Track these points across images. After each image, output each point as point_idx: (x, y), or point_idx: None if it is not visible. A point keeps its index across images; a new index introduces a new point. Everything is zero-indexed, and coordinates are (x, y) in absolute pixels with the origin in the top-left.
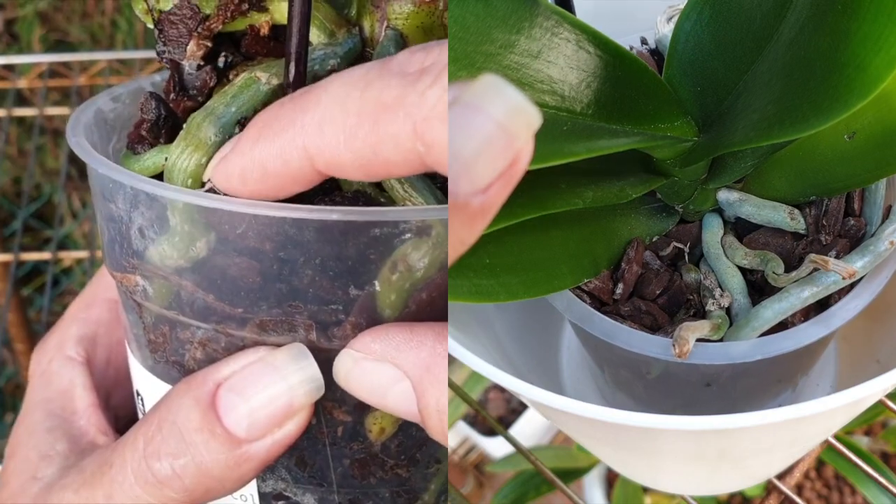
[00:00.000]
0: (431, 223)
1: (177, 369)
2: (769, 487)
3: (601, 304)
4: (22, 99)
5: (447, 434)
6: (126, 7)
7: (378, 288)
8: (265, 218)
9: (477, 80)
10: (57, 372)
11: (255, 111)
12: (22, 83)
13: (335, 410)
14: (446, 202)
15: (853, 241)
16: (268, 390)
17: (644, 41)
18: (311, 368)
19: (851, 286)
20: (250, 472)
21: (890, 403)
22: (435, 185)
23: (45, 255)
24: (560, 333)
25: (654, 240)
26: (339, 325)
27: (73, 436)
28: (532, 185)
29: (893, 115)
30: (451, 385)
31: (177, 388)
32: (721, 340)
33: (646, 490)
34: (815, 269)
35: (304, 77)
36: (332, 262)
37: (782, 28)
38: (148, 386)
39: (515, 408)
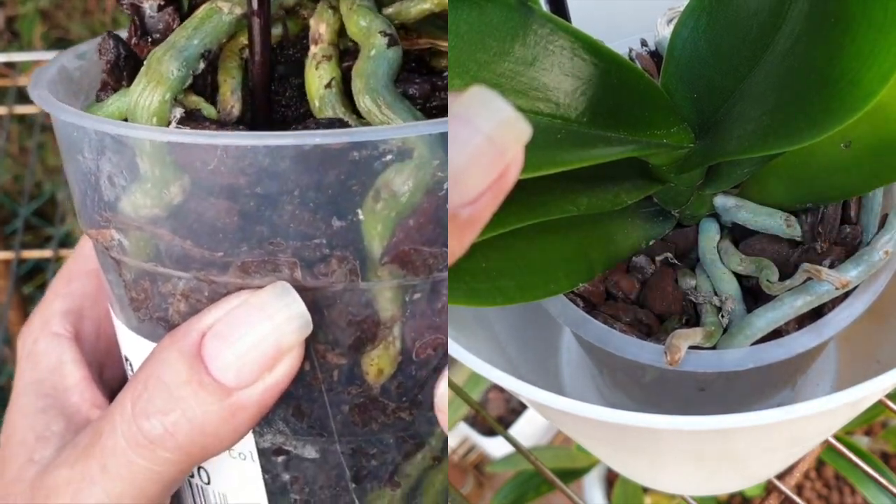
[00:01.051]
0: (413, 144)
1: (162, 326)
2: (769, 487)
3: (593, 306)
4: (23, 97)
5: None
6: None
7: (362, 217)
8: (236, 149)
9: (466, 92)
10: (44, 351)
11: (220, 44)
12: (23, 81)
13: (328, 354)
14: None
15: (849, 249)
16: (253, 332)
17: (644, 43)
18: (297, 305)
19: (846, 295)
20: (245, 422)
21: (890, 403)
22: (415, 106)
23: (46, 253)
24: (560, 334)
25: (651, 244)
26: (325, 261)
27: (67, 414)
28: (526, 192)
29: (888, 126)
30: (452, 385)
31: (161, 344)
32: (714, 348)
33: (646, 490)
34: (809, 279)
35: (269, 6)
36: (312, 192)
37: (778, 38)
38: (135, 348)
39: (515, 408)
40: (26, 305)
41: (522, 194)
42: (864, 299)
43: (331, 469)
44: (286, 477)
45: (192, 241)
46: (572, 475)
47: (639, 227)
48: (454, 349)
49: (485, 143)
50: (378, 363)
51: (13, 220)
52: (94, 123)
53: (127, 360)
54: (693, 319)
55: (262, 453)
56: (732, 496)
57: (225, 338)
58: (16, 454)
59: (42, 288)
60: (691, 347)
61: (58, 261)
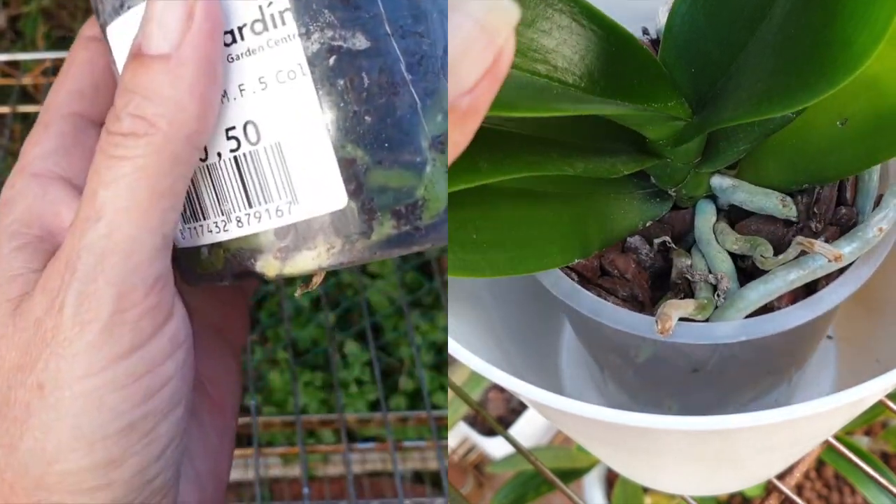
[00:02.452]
0: None
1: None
2: (769, 487)
3: (587, 281)
4: (26, 96)
5: None
6: None
7: None
8: None
9: None
10: (20, 192)
11: None
12: (26, 80)
13: None
14: None
15: (844, 229)
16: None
17: (645, 31)
18: None
19: (840, 272)
20: (195, 76)
21: (890, 403)
22: None
23: None
24: (560, 334)
25: (647, 225)
26: None
27: (51, 249)
28: (524, 150)
29: (885, 100)
30: (452, 385)
31: None
32: (707, 322)
33: (646, 490)
34: (803, 252)
35: None
36: None
37: (774, 7)
38: (125, 39)
39: (515, 408)
40: None
41: (520, 150)
42: (859, 277)
43: (385, 59)
44: (341, 83)
45: None
46: (572, 475)
47: (636, 207)
48: (454, 349)
49: (476, 29)
50: None
51: None
52: None
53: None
54: (688, 298)
55: (312, 60)
56: (732, 496)
57: (147, 20)
58: None
59: None
60: (684, 320)
61: None
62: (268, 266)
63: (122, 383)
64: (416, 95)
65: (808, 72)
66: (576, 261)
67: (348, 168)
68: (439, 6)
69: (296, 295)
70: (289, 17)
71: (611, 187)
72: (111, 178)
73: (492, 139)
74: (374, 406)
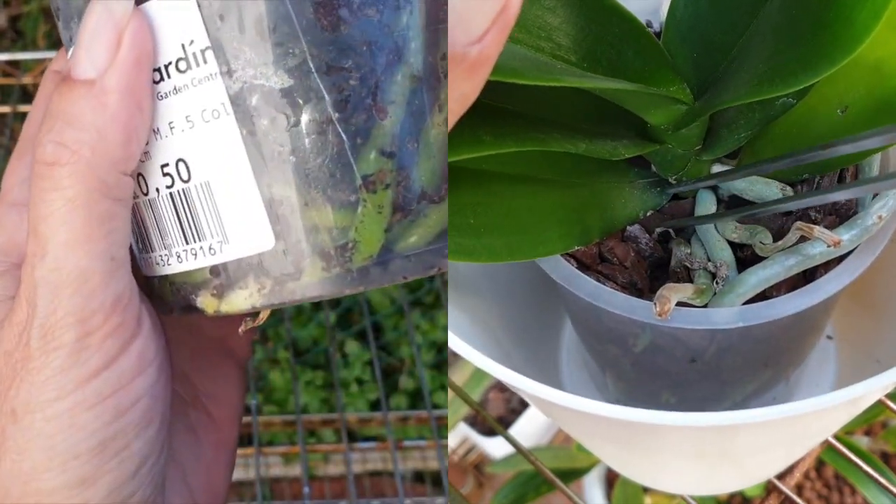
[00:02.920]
0: None
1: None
2: (769, 487)
3: (586, 267)
4: (27, 95)
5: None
6: None
7: None
8: None
9: None
10: (1, 223)
11: None
12: (26, 80)
13: None
14: None
15: (843, 218)
16: (89, 24)
17: (649, 24)
18: None
19: (839, 262)
20: (119, 105)
21: (890, 403)
22: None
23: None
24: (560, 333)
25: (648, 214)
26: None
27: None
28: (526, 128)
29: (885, 85)
30: (452, 385)
31: None
32: (705, 307)
33: (646, 490)
34: (803, 239)
35: None
36: None
37: None
38: None
39: (515, 408)
40: None
41: (523, 129)
42: (858, 265)
43: (309, 96)
44: (264, 123)
45: None
46: (572, 475)
47: (637, 196)
48: (454, 344)
49: None
50: None
51: None
52: None
53: None
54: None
55: (234, 99)
56: (732, 496)
57: (77, 46)
58: None
59: None
60: (683, 306)
61: None
62: (206, 303)
63: (91, 403)
64: (343, 134)
65: (809, 52)
66: (575, 248)
67: (275, 209)
68: (370, 36)
69: (239, 331)
70: (210, 55)
71: (611, 175)
72: (46, 211)
73: (495, 115)
74: (374, 405)
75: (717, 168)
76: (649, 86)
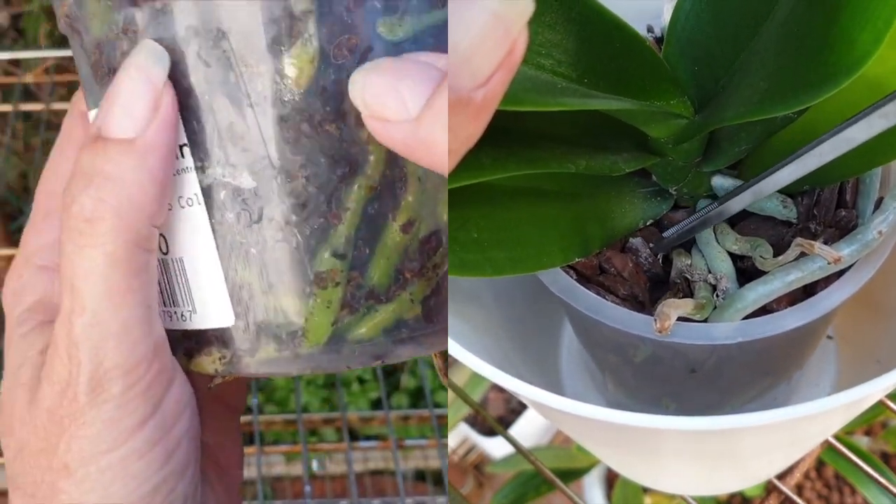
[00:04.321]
0: None
1: (113, 76)
2: (769, 487)
3: (586, 279)
4: (28, 94)
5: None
6: None
7: None
8: None
9: None
10: (29, 283)
11: None
12: (28, 78)
13: (249, 60)
14: None
15: (843, 232)
16: (127, 83)
17: (650, 29)
18: (151, 44)
19: (838, 276)
20: (157, 164)
21: (890, 403)
22: None
23: None
24: (560, 335)
25: (648, 224)
26: None
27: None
28: (527, 148)
29: None
30: (452, 386)
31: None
32: (705, 322)
33: (646, 490)
34: (803, 254)
35: None
36: None
37: (778, 6)
38: None
39: (515, 408)
40: None
41: (523, 148)
42: (858, 279)
43: (270, 198)
44: (230, 216)
45: None
46: (572, 475)
47: (637, 206)
48: (454, 349)
49: (492, 20)
50: (298, 63)
51: (19, 216)
52: None
53: None
54: (688, 297)
55: (206, 192)
56: (732, 496)
57: (109, 105)
58: (8, 388)
59: None
60: (682, 320)
61: None
62: (180, 358)
63: (142, 451)
64: (299, 235)
65: (811, 71)
66: (576, 260)
67: (236, 292)
68: (329, 150)
69: (209, 387)
70: (187, 151)
71: (611, 186)
72: (85, 267)
73: (494, 135)
74: (375, 404)
75: (717, 179)
76: (650, 100)
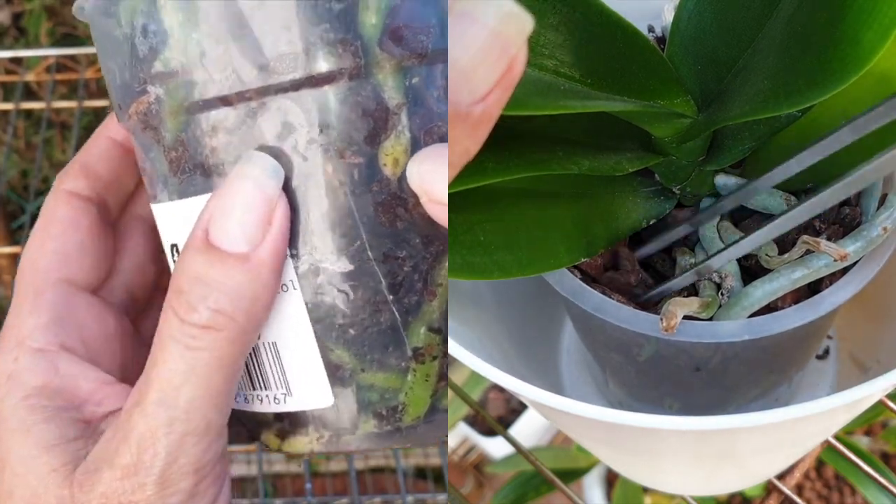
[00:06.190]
0: None
1: (199, 173)
2: (769, 487)
3: (592, 279)
4: (29, 92)
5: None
6: None
7: None
8: None
9: None
10: (28, 368)
11: None
12: (29, 77)
13: (346, 153)
14: None
15: (847, 229)
16: (242, 198)
17: (651, 29)
18: (266, 159)
19: (843, 273)
20: (271, 276)
21: (890, 403)
22: None
23: None
24: (560, 334)
25: (651, 223)
26: (331, 46)
27: (83, 418)
28: (529, 150)
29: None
30: (452, 386)
31: (178, 257)
32: (711, 320)
33: (646, 490)
34: (808, 252)
35: None
36: None
37: (782, 5)
38: (179, 219)
39: (515, 408)
40: None
41: (525, 150)
42: (863, 277)
43: (367, 280)
44: (327, 300)
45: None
46: (572, 475)
47: (640, 205)
48: (454, 349)
49: (491, 37)
50: (393, 153)
51: (20, 215)
52: None
53: (174, 247)
54: (692, 296)
55: (303, 277)
56: (732, 496)
57: (222, 216)
58: (22, 475)
59: None
60: (688, 318)
61: None
62: (270, 440)
63: None
64: (396, 313)
65: (815, 70)
66: (581, 260)
67: (334, 372)
68: (422, 231)
69: (299, 466)
70: None
71: (615, 185)
72: (187, 367)
73: (497, 138)
74: None
75: (720, 178)
76: (654, 100)
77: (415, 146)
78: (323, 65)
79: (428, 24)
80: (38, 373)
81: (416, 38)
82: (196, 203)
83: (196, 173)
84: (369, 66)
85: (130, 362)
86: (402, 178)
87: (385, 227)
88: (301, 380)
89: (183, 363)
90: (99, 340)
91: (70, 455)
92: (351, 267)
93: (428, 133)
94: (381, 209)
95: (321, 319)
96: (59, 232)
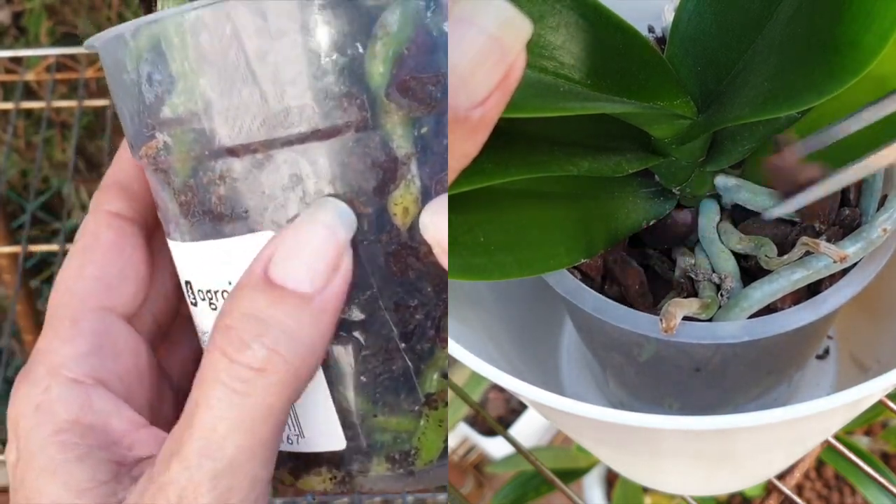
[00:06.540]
0: None
1: (209, 218)
2: (769, 487)
3: (590, 279)
4: (29, 92)
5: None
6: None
7: (362, 51)
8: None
9: None
10: (60, 399)
11: None
12: (29, 76)
13: (356, 203)
14: None
15: (847, 230)
16: (313, 240)
17: (651, 29)
18: (341, 205)
19: (843, 274)
20: (329, 323)
21: (890, 403)
22: None
23: (53, 247)
24: (560, 333)
25: (651, 223)
26: (336, 100)
27: (115, 460)
28: (529, 151)
29: None
30: (452, 385)
31: (226, 300)
32: (710, 321)
33: (646, 490)
34: (808, 253)
35: None
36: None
37: (781, 6)
38: (192, 260)
39: (515, 408)
40: (33, 298)
41: (524, 151)
42: (863, 278)
43: (379, 328)
44: (339, 348)
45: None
46: (572, 475)
47: (640, 206)
48: (454, 349)
49: (490, 42)
50: (403, 203)
51: (20, 214)
52: (130, 24)
53: (188, 284)
54: (692, 297)
55: None
56: (732, 496)
57: (287, 256)
58: None
59: (49, 281)
60: (687, 319)
61: (64, 254)
62: (283, 477)
63: None
64: (409, 360)
65: (815, 71)
66: (581, 261)
67: (346, 417)
68: (434, 279)
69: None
70: None
71: (615, 186)
72: (234, 415)
73: (496, 139)
74: None
75: (720, 179)
76: (653, 101)
77: (426, 195)
78: (329, 119)
79: (437, 73)
80: (71, 406)
81: (424, 88)
82: (206, 248)
83: (206, 219)
84: (377, 117)
85: (157, 399)
86: (412, 228)
87: (396, 276)
88: (313, 423)
89: (230, 410)
90: (132, 374)
91: (102, 499)
92: (362, 316)
93: (439, 182)
94: (392, 259)
95: (334, 366)
96: (100, 255)
